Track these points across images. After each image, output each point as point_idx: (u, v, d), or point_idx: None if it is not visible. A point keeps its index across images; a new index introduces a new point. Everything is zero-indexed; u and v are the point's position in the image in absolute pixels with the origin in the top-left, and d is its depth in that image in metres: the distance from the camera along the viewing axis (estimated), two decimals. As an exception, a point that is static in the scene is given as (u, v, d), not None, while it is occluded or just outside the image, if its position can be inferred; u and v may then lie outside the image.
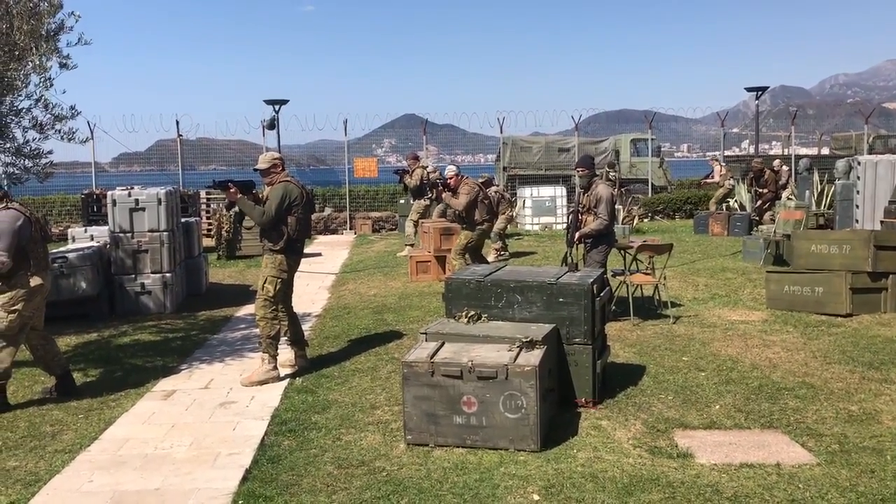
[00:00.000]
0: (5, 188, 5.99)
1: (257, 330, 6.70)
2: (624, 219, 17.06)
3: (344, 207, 21.44)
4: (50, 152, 7.33)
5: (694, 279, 10.82)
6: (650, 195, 22.03)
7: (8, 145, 7.19)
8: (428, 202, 14.41)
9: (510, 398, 4.74)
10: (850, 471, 4.40)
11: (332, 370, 6.71)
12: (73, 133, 7.14)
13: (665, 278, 8.77)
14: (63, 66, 6.84)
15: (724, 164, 20.87)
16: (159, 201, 9.45)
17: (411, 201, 15.24)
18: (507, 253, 14.07)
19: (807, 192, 16.52)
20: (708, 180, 21.25)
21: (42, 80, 6.85)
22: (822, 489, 4.17)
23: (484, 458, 4.64)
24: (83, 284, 8.89)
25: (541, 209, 19.30)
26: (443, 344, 5.20)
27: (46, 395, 6.08)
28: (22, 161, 7.29)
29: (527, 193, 19.61)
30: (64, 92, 7.07)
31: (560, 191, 19.64)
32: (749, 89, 21.66)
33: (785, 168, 19.32)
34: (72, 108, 7.10)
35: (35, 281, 5.73)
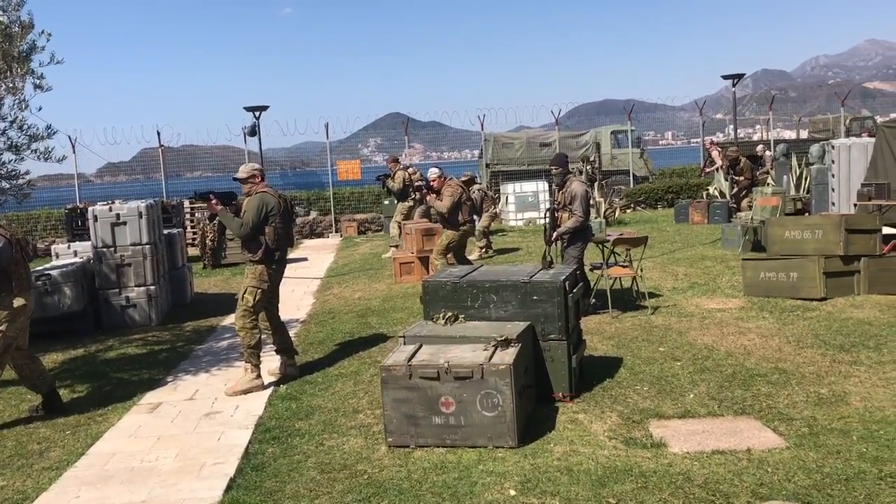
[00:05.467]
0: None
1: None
2: (606, 211, 17.19)
3: (329, 210, 21.51)
4: (27, 173, 7.40)
5: (673, 269, 10.96)
6: (632, 186, 22.19)
7: (-18, 168, 7.25)
8: (412, 203, 14.51)
9: (487, 397, 4.86)
10: (818, 452, 4.54)
11: (315, 376, 6.81)
12: (50, 152, 7.20)
13: (641, 270, 8.90)
14: (38, 87, 6.91)
15: (719, 147, 20.56)
16: (140, 215, 9.52)
17: (395, 202, 15.33)
18: (491, 251, 14.18)
19: (784, 177, 16.70)
20: (709, 168, 20.72)
21: (17, 101, 6.91)
22: (789, 472, 4.30)
23: (463, 456, 4.76)
24: (68, 301, 8.96)
25: (524, 204, 19.42)
26: (420, 346, 5.32)
27: (33, 414, 6.16)
28: (-1, 182, 7.35)
29: (510, 189, 19.73)
30: (40, 109, 7.13)
31: (542, 185, 19.74)
32: (726, 77, 21.77)
33: (768, 154, 19.45)
34: (48, 127, 7.17)
35: (18, 302, 5.81)
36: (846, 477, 4.20)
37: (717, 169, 19.11)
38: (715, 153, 19.57)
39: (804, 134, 30.03)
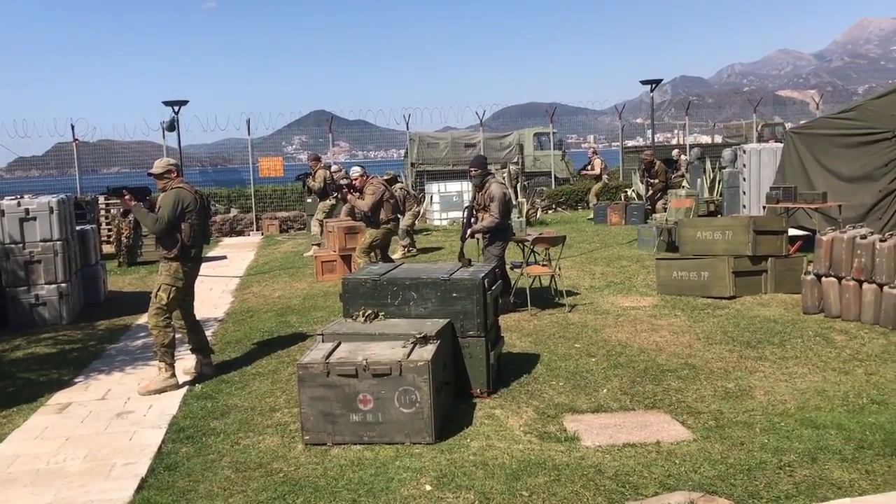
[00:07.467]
0: None
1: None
2: (527, 211, 17.43)
3: (250, 208, 21.17)
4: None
5: (591, 268, 11.20)
6: (553, 187, 22.55)
7: None
8: (334, 202, 14.41)
9: (404, 393, 4.88)
10: (723, 444, 4.72)
11: (232, 375, 6.72)
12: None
13: (560, 269, 9.07)
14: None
15: (601, 157, 21.23)
16: (51, 210, 9.21)
17: (317, 201, 15.20)
18: (415, 249, 14.21)
19: (698, 180, 17.25)
20: (586, 171, 21.10)
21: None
22: (696, 463, 4.46)
23: (380, 453, 4.77)
24: (-28, 299, 8.60)
25: (448, 204, 19.53)
26: (339, 344, 5.30)
27: (-68, 416, 5.90)
28: None
29: (434, 189, 19.81)
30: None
31: (467, 186, 19.86)
32: (644, 82, 22.33)
33: (684, 157, 20.07)
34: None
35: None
36: (748, 467, 4.37)
37: (596, 176, 19.83)
38: (596, 161, 20.21)
39: (719, 139, 31.03)
